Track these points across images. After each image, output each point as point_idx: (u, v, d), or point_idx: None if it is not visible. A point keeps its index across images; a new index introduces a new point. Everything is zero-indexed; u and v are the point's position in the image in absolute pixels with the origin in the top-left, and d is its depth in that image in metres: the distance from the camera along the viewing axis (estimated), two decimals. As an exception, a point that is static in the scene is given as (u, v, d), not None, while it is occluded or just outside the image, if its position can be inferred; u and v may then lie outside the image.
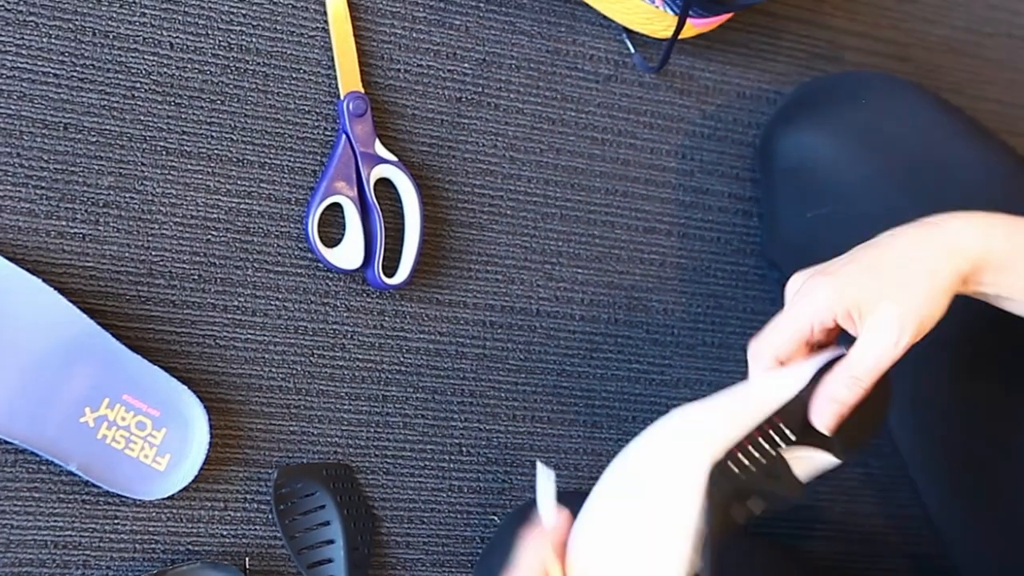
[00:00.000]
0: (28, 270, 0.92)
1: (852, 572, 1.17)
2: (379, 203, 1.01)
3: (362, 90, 1.02)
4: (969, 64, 1.25)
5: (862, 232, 0.89)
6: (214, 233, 0.99)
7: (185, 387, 0.95)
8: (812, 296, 0.82)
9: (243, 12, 1.00)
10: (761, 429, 0.82)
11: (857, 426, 0.84)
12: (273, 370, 1.01)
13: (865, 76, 1.13)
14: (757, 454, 0.81)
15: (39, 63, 0.95)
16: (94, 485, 0.94)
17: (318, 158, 1.02)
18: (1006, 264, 0.83)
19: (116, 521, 0.96)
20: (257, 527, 1.00)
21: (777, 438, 0.82)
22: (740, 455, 0.81)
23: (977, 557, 1.05)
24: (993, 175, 1.03)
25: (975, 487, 1.03)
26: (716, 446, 0.80)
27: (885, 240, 0.85)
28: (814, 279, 0.83)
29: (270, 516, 1.00)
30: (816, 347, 0.85)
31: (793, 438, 0.82)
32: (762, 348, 0.84)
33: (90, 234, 0.96)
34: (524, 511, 1.04)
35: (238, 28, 1.00)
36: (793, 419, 0.82)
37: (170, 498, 0.96)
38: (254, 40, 1.01)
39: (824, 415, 0.81)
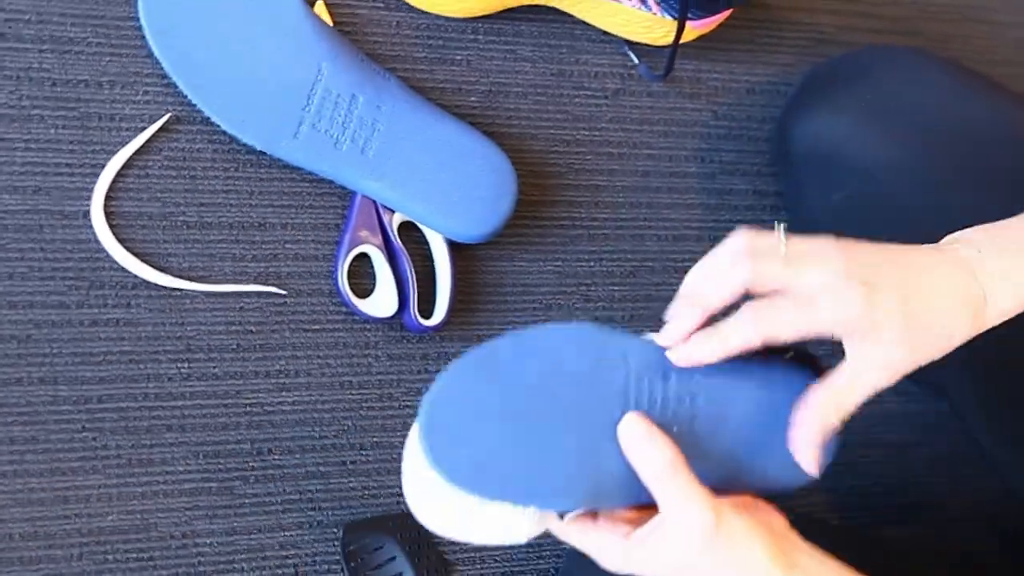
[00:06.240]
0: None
1: (936, 552, 1.15)
2: (406, 247, 1.00)
3: (373, 137, 1.02)
4: (978, 29, 1.24)
5: (889, 209, 0.87)
6: (246, 300, 0.99)
7: None
8: (824, 267, 0.75)
9: (244, 77, 1.00)
10: None
11: None
12: (324, 429, 1.00)
13: (871, 52, 1.11)
14: None
15: (49, 155, 0.95)
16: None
17: (338, 211, 1.01)
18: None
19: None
20: (330, 589, 0.99)
21: None
22: None
23: None
24: (1019, 135, 1.01)
25: None
26: None
27: (914, 262, 0.77)
28: (832, 250, 0.76)
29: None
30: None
31: None
32: (705, 287, 0.78)
33: (123, 318, 0.96)
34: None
35: (242, 94, 1.00)
36: None
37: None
38: (259, 103, 1.01)
39: (809, 451, 0.77)
